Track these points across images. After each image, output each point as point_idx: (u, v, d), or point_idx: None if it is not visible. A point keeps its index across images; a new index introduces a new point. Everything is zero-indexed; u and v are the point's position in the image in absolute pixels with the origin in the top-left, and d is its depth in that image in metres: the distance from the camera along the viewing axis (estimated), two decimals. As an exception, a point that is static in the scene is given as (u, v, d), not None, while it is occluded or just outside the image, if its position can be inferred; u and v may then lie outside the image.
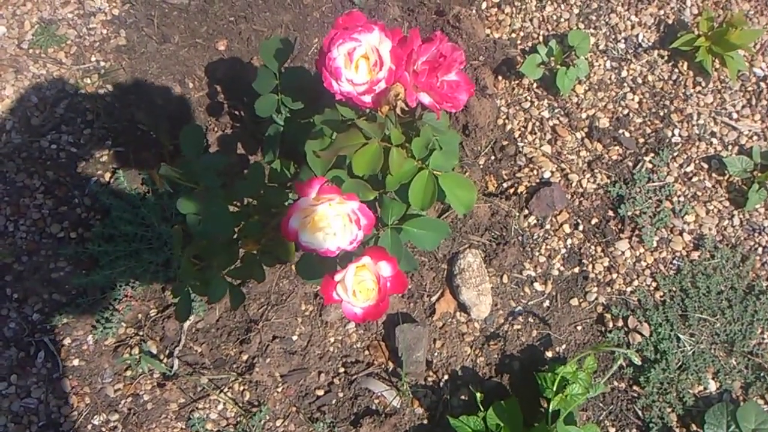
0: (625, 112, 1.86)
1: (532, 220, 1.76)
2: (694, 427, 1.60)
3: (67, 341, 1.64)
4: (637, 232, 1.75)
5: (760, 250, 1.75)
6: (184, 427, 1.60)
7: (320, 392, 1.63)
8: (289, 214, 0.95)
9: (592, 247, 1.75)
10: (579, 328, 1.68)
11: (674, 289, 1.70)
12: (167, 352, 1.64)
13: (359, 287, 0.99)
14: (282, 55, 1.27)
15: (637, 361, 1.49)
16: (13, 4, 1.90)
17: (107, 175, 1.75)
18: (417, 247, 1.22)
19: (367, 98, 1.05)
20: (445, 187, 1.07)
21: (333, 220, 0.94)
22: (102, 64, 1.85)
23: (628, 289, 1.71)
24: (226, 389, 1.62)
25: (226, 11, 1.90)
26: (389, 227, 1.16)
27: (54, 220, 1.71)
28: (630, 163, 1.81)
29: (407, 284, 1.68)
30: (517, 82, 1.89)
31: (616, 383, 1.64)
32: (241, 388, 1.62)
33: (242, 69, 1.85)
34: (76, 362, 1.62)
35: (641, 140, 1.84)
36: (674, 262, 1.73)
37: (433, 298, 1.70)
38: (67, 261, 1.68)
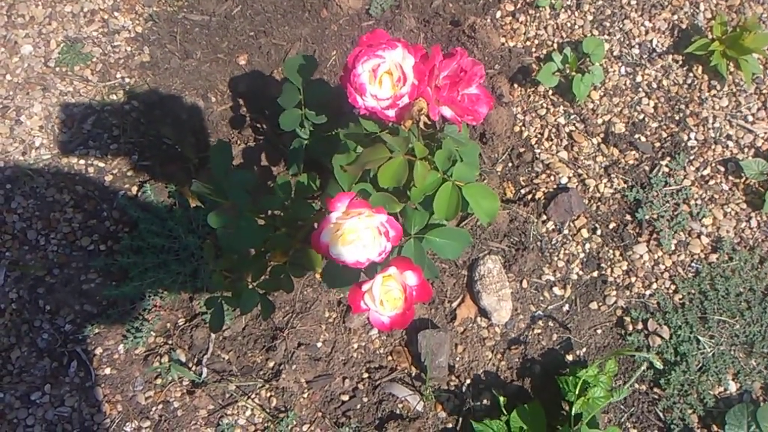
0: (641, 116, 1.88)
1: (550, 225, 1.78)
2: (715, 428, 1.61)
3: (98, 351, 1.68)
4: (655, 235, 1.77)
5: (778, 251, 1.76)
6: (213, 433, 1.64)
7: (345, 397, 1.66)
8: (320, 228, 0.99)
9: (611, 251, 1.77)
10: (599, 331, 1.70)
11: (693, 291, 1.72)
12: (196, 360, 1.68)
13: (386, 297, 1.02)
14: (306, 71, 1.31)
15: (658, 363, 1.51)
16: (38, 23, 1.96)
17: (134, 189, 1.79)
18: (439, 255, 1.24)
19: (391, 113, 1.09)
20: (468, 198, 1.10)
21: (363, 233, 0.97)
22: (127, 80, 1.90)
23: (647, 292, 1.73)
24: (253, 396, 1.66)
25: (246, 26, 1.95)
26: (412, 237, 1.19)
27: (84, 233, 1.76)
28: (647, 168, 1.83)
29: (432, 293, 1.70)
30: (532, 89, 1.91)
31: (637, 386, 1.66)
32: (268, 394, 1.66)
33: (263, 82, 1.90)
34: (107, 371, 1.67)
35: (657, 144, 1.85)
36: (692, 264, 1.75)
37: (454, 304, 1.73)
38: (97, 273, 1.73)
